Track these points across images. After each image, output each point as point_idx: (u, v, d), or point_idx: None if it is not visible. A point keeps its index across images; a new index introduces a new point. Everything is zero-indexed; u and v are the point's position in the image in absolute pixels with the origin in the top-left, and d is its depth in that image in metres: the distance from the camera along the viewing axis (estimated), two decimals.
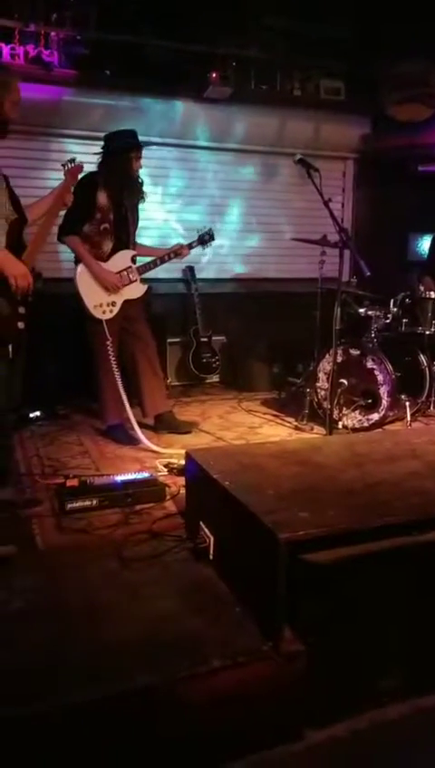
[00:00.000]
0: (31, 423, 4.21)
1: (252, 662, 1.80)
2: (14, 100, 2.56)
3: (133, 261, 3.86)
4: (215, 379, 5.58)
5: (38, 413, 4.33)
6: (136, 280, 3.84)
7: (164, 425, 4.04)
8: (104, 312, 3.74)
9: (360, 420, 4.02)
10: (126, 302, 3.82)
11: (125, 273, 3.80)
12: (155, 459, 3.51)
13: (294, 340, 5.03)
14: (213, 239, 4.12)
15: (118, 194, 3.73)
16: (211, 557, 2.29)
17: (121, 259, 3.81)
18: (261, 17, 5.17)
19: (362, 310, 4.16)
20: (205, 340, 5.39)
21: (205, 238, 4.06)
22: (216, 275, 5.79)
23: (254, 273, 5.92)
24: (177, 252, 3.97)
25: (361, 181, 6.11)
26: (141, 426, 3.83)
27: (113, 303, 3.77)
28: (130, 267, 3.83)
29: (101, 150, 3.76)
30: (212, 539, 2.29)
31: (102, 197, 3.68)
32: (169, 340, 5.31)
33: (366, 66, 5.47)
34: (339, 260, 3.68)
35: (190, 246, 4.02)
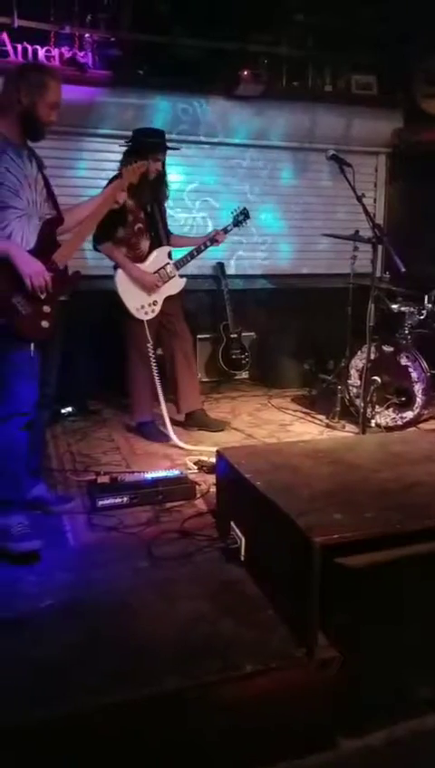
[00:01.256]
0: (63, 419, 4.24)
1: (285, 668, 1.77)
2: (51, 103, 2.47)
3: (169, 256, 3.86)
4: (244, 375, 5.54)
5: (70, 409, 4.36)
6: (174, 275, 3.84)
7: (195, 422, 4.03)
8: (146, 313, 3.75)
9: (393, 418, 3.95)
10: (166, 298, 3.82)
11: (163, 270, 3.80)
12: (185, 456, 3.50)
13: (324, 337, 4.98)
14: (248, 217, 4.04)
15: (142, 193, 3.70)
16: (242, 558, 2.27)
17: (158, 258, 3.81)
18: (292, 14, 5.11)
19: (395, 306, 4.08)
20: (235, 336, 5.35)
21: (239, 219, 4.00)
22: (246, 271, 5.75)
23: (284, 269, 5.86)
24: (213, 239, 3.92)
25: (393, 176, 6.00)
26: (172, 422, 3.83)
27: (155, 303, 3.78)
28: (168, 263, 3.83)
29: (125, 147, 3.75)
30: (243, 540, 2.27)
31: (129, 200, 3.66)
32: (198, 337, 5.28)
33: (398, 60, 5.38)
34: (372, 256, 3.61)
35: (226, 231, 3.97)
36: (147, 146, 3.68)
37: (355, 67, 5.52)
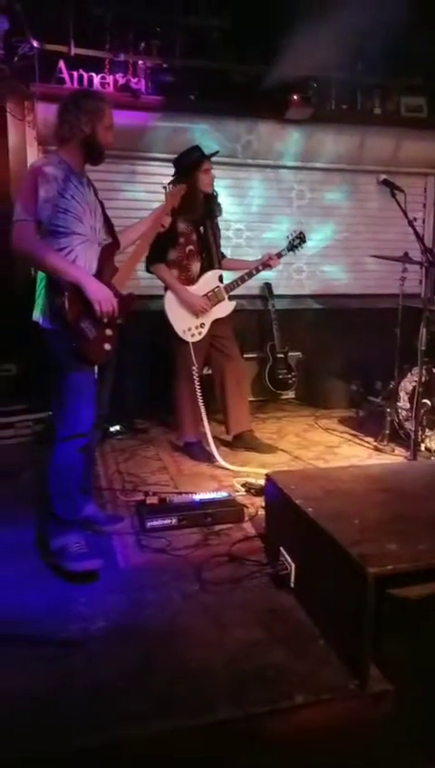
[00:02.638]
0: (111, 437, 4.31)
1: (337, 700, 1.75)
2: (108, 125, 2.57)
3: (220, 280, 3.89)
4: (290, 395, 5.54)
5: (118, 427, 4.43)
6: (224, 299, 3.87)
7: (244, 443, 4.03)
8: (193, 336, 3.79)
9: None
10: (215, 321, 3.86)
11: (212, 293, 3.83)
12: (232, 478, 3.51)
13: (371, 358, 4.92)
14: (304, 242, 4.00)
15: (194, 214, 3.76)
16: (292, 585, 2.26)
17: (208, 280, 3.85)
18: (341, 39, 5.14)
19: None
20: (281, 356, 5.36)
21: (295, 243, 3.97)
22: (293, 291, 5.76)
23: (331, 289, 5.85)
24: (266, 263, 3.90)
25: None
26: (219, 442, 3.84)
27: (202, 325, 3.82)
28: (218, 287, 3.86)
29: (172, 176, 3.81)
30: (294, 566, 2.26)
31: (181, 222, 3.72)
32: (245, 356, 5.30)
33: None
34: (424, 279, 3.58)
35: (280, 255, 3.94)
36: (189, 163, 3.73)
37: (405, 89, 5.51)
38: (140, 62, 4.88)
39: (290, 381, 5.38)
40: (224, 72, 5.03)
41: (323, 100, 5.26)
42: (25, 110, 4.92)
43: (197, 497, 3.03)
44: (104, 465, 3.76)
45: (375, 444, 4.14)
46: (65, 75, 4.67)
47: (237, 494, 3.24)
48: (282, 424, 4.81)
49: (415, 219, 3.50)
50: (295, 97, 4.97)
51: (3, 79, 4.51)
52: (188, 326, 3.78)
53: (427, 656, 1.81)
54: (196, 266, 3.84)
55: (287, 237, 4.02)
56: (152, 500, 3.01)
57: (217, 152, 3.89)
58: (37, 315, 2.54)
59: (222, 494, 3.11)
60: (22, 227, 2.38)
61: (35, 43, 4.51)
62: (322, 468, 3.53)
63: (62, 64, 4.67)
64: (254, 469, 3.59)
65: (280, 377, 5.34)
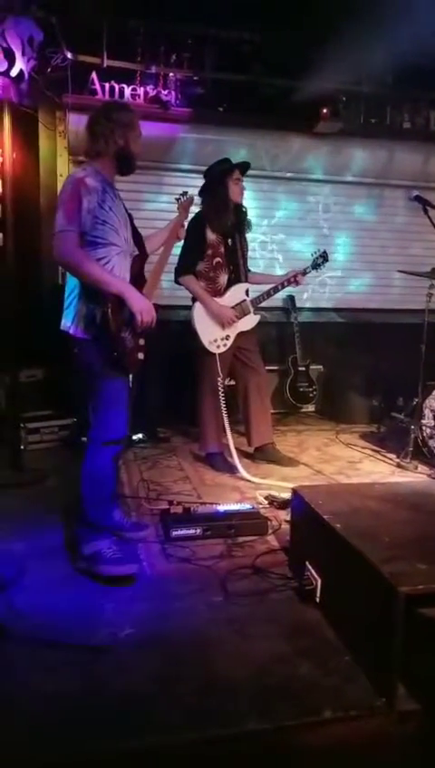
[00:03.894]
0: (133, 445, 4.34)
1: (364, 716, 1.75)
2: (138, 135, 2.64)
3: (247, 293, 3.93)
4: (311, 408, 5.54)
5: (140, 435, 4.46)
6: (250, 312, 3.90)
7: (265, 456, 4.04)
8: (218, 347, 3.82)
9: None
10: (239, 333, 3.89)
11: (239, 306, 3.87)
12: (255, 490, 3.52)
13: (394, 373, 4.91)
14: (327, 260, 4.03)
15: (223, 225, 3.80)
16: (318, 600, 2.26)
17: (236, 293, 3.89)
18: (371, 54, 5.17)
19: None
20: (302, 369, 5.37)
21: (318, 262, 4.01)
22: (317, 304, 5.78)
23: (355, 303, 5.86)
24: (291, 280, 3.95)
25: None
26: (240, 453, 3.86)
27: (227, 337, 3.85)
28: (245, 300, 3.89)
29: (202, 187, 3.85)
30: (320, 581, 2.26)
31: (210, 233, 3.78)
32: (266, 368, 5.31)
33: None
34: None
35: (305, 273, 3.99)
36: (221, 171, 3.79)
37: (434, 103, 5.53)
38: (171, 74, 4.95)
39: (311, 395, 5.40)
40: (253, 84, 5.09)
41: (352, 114, 5.30)
42: (57, 120, 5.02)
43: (221, 508, 3.04)
44: (128, 473, 3.80)
45: (398, 461, 4.13)
46: (97, 86, 4.76)
47: (260, 506, 3.25)
48: (302, 437, 4.82)
49: None
50: (325, 111, 5.02)
51: (36, 89, 4.60)
52: (214, 337, 3.82)
53: None
54: (223, 278, 3.87)
55: (312, 255, 4.05)
56: (176, 509, 3.02)
57: (248, 165, 3.92)
58: (68, 324, 2.55)
59: (246, 506, 3.12)
60: (66, 237, 2.40)
61: (69, 55, 4.60)
62: (347, 484, 3.53)
63: (94, 76, 4.75)
64: (276, 482, 3.60)
65: (301, 390, 5.35)
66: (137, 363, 2.57)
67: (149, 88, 4.90)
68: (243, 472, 3.70)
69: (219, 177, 3.78)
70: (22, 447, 4.02)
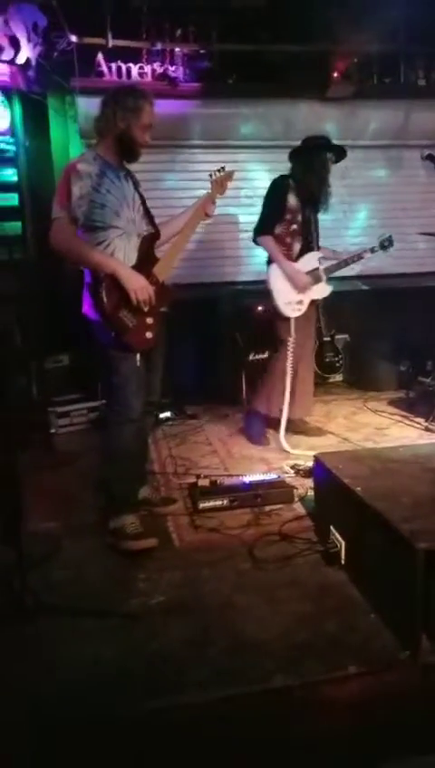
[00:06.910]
0: (162, 423, 4.41)
1: (389, 670, 1.80)
2: (145, 125, 2.58)
3: (320, 262, 3.92)
4: (338, 378, 5.51)
5: (168, 413, 4.53)
6: (322, 280, 3.89)
7: (292, 427, 4.02)
8: (293, 310, 3.81)
9: None
10: (311, 301, 3.90)
11: (312, 273, 3.86)
12: (282, 461, 3.55)
13: (421, 338, 4.85)
14: (392, 245, 4.04)
15: (308, 195, 3.78)
16: (343, 562, 2.30)
17: (310, 260, 3.88)
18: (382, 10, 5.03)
19: None
20: (328, 339, 5.33)
21: (385, 244, 4.02)
22: (339, 273, 5.69)
23: (378, 269, 5.77)
24: (361, 256, 3.97)
25: None
26: (266, 422, 3.89)
27: (301, 302, 3.83)
28: (318, 268, 3.89)
29: (297, 150, 3.83)
30: (343, 544, 2.30)
31: (292, 199, 3.75)
32: None
33: None
34: None
35: (372, 251, 4.01)
36: (318, 146, 3.80)
37: None
38: (177, 49, 4.88)
39: (338, 365, 5.36)
40: (261, 53, 4.98)
41: (364, 76, 5.15)
42: (66, 105, 5.03)
43: (247, 479, 3.10)
44: (157, 450, 3.87)
45: (426, 425, 4.11)
46: (104, 67, 4.72)
47: (286, 475, 3.29)
48: (330, 407, 4.81)
49: None
50: (335, 74, 4.90)
51: (44, 75, 4.61)
52: (289, 299, 3.79)
53: None
54: (296, 246, 3.84)
55: (379, 237, 4.05)
56: (204, 482, 3.09)
57: (345, 153, 3.93)
58: (85, 307, 2.63)
59: (272, 476, 3.17)
60: (57, 225, 2.48)
61: (73, 38, 4.58)
62: (369, 449, 3.54)
63: (100, 57, 4.72)
64: (307, 452, 3.62)
65: (327, 360, 5.32)
66: (144, 342, 2.59)
67: (156, 65, 4.84)
68: (284, 443, 3.72)
69: (317, 150, 3.77)
70: (53, 431, 4.13)
